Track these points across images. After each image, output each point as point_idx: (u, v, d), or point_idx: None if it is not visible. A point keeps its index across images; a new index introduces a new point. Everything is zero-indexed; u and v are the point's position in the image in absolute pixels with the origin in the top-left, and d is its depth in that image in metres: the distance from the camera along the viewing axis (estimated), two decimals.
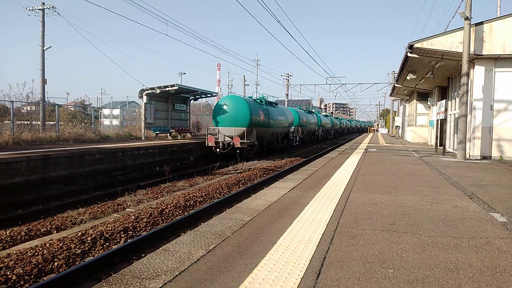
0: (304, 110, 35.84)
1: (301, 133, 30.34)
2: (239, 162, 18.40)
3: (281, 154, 23.03)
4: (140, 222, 7.35)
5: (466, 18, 12.50)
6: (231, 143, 18.60)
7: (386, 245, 3.68)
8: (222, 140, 19.04)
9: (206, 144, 19.20)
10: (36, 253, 5.57)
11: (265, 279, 2.87)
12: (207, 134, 20.13)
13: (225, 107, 19.52)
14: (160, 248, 3.67)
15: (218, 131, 19.69)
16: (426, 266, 3.16)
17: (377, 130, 71.52)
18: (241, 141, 18.42)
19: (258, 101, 21.94)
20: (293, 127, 27.69)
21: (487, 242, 3.84)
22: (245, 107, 19.39)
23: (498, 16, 15.83)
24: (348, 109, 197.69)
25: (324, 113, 54.33)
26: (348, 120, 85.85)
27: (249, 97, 22.54)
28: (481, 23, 12.97)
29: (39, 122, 19.40)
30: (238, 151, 18.84)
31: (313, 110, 42.78)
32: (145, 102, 20.63)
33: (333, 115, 67.25)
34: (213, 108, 24.87)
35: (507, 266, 3.18)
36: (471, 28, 12.72)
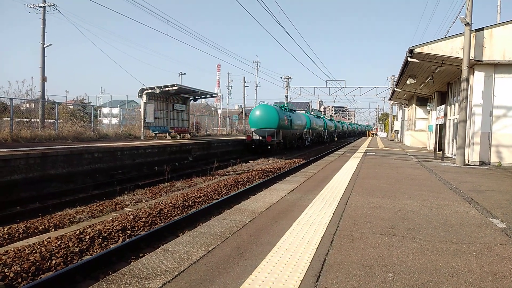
0: (313, 115, 40.97)
1: (312, 135, 35.60)
2: (238, 164, 18.47)
3: (297, 151, 28.14)
4: (139, 221, 7.33)
5: (467, 24, 12.54)
6: (264, 141, 23.79)
7: (386, 249, 3.67)
8: (257, 138, 24.15)
9: (245, 141, 25.02)
10: (34, 251, 5.54)
11: (265, 281, 2.87)
12: (245, 134, 26.08)
13: (258, 113, 24.98)
14: (159, 248, 3.66)
15: (253, 132, 24.71)
16: (426, 270, 3.15)
17: (376, 134, 71.80)
18: (272, 139, 23.72)
19: (283, 108, 27.29)
20: (305, 130, 32.66)
21: (487, 247, 3.84)
22: (275, 113, 24.71)
23: (498, 22, 15.89)
24: (347, 112, 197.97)
25: (328, 118, 56.94)
26: (349, 124, 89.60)
27: (275, 104, 27.21)
28: (482, 29, 13.00)
29: (38, 120, 19.36)
30: (269, 147, 23.91)
31: (320, 115, 47.21)
32: (145, 101, 20.61)
33: (335, 119, 69.36)
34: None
35: (507, 272, 3.17)
36: (472, 34, 12.76)
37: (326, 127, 44.16)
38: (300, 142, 31.58)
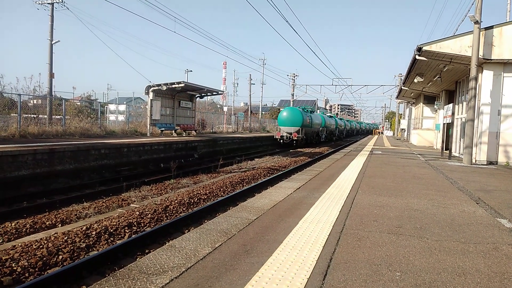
0: (326, 115, 47.08)
1: (326, 132, 41.03)
2: (243, 161, 18.48)
3: (316, 145, 34.07)
4: (145, 218, 7.36)
5: (476, 22, 12.41)
6: (290, 137, 29.02)
7: (393, 248, 3.66)
8: (285, 135, 29.40)
9: (274, 137, 30.55)
10: (41, 246, 5.58)
11: (272, 278, 2.87)
12: (275, 130, 31.90)
13: (285, 114, 30.39)
14: (166, 244, 3.69)
15: (280, 129, 30.06)
16: (433, 270, 3.14)
17: (382, 133, 71.90)
18: (297, 135, 28.84)
19: (305, 110, 32.75)
20: (321, 128, 38.03)
21: (495, 247, 3.81)
22: (299, 114, 30.09)
23: (508, 20, 15.72)
24: (354, 111, 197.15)
25: (339, 117, 62.73)
26: (357, 122, 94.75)
27: (298, 107, 32.29)
28: (491, 27, 12.86)
29: (45, 116, 19.47)
30: (294, 142, 29.14)
31: (332, 115, 53.79)
32: (151, 98, 20.66)
33: (342, 117, 72.68)
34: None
35: None
36: (481, 32, 12.63)
37: (337, 125, 49.30)
38: (317, 139, 37.28)
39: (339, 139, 51.69)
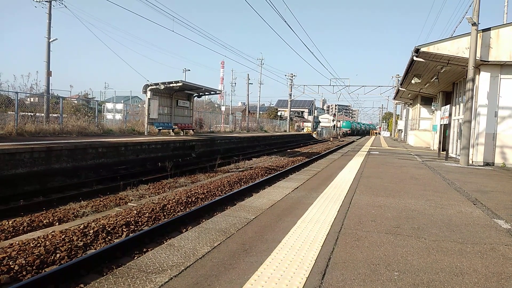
0: (355, 122, 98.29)
1: (355, 131, 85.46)
2: (241, 161, 18.50)
3: (352, 136, 75.95)
4: (142, 217, 7.35)
5: (474, 24, 12.47)
6: (346, 132, 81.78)
7: (391, 248, 3.68)
8: (344, 131, 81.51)
9: (342, 132, 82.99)
10: (38, 244, 5.56)
11: (271, 277, 2.88)
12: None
13: (344, 123, 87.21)
14: (165, 243, 3.69)
15: (342, 129, 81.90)
16: (431, 270, 3.16)
17: (379, 133, 74.76)
18: (349, 132, 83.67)
19: (352, 122, 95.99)
20: (354, 129, 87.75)
21: (492, 248, 3.83)
22: (350, 123, 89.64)
23: (505, 22, 15.79)
24: (351, 111, 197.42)
25: (356, 122, 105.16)
26: (363, 124, 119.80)
27: (349, 121, 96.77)
28: (489, 29, 12.92)
29: (42, 114, 19.40)
30: (348, 134, 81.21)
31: (359, 122, 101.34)
32: (149, 97, 20.63)
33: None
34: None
35: None
36: (478, 34, 12.69)
37: (356, 127, 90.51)
38: (352, 133, 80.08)
39: (357, 135, 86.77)
